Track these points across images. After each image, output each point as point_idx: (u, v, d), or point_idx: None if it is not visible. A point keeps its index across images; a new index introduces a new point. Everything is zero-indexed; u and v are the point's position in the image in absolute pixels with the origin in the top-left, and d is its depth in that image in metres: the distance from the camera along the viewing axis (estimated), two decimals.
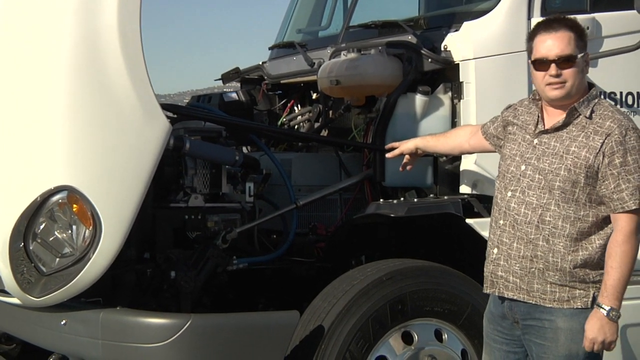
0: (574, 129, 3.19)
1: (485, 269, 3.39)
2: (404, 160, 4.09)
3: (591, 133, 3.14)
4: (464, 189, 4.34)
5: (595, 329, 3.09)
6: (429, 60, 4.42)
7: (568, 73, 3.17)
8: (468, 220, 4.17)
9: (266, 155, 4.59)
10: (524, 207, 3.23)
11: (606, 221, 3.17)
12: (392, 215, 4.16)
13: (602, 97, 3.32)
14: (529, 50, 3.29)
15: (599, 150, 3.11)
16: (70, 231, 3.60)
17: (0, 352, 5.09)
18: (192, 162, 4.14)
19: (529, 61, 3.28)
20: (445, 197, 4.37)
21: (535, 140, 3.27)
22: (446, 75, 4.47)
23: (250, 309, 4.26)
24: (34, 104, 3.65)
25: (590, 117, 3.17)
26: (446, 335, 4.13)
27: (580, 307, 3.17)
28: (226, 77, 5.95)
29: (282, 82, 5.62)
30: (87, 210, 3.52)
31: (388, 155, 4.14)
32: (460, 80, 4.36)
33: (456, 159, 4.35)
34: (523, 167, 3.27)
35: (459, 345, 4.14)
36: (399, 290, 3.99)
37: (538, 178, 3.21)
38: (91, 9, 3.56)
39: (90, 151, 3.55)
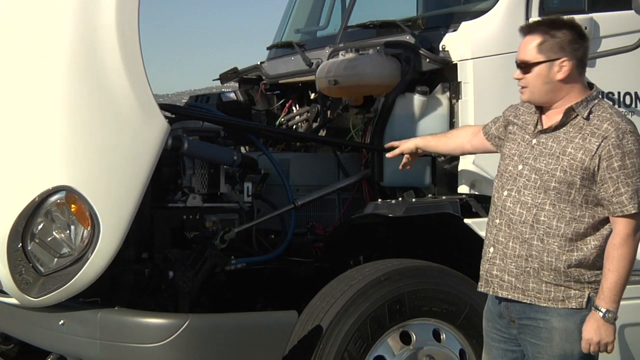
0: (571, 129, 3.18)
1: (481, 268, 3.39)
2: (404, 160, 4.09)
3: (588, 135, 3.13)
4: (462, 188, 4.35)
5: (591, 330, 3.09)
6: (427, 60, 4.43)
7: (528, 78, 3.20)
8: (466, 220, 4.17)
9: (264, 155, 4.59)
10: (519, 206, 3.23)
11: (602, 222, 3.17)
12: (390, 215, 4.16)
13: (603, 98, 3.30)
14: None
15: (595, 153, 3.10)
16: (68, 231, 3.59)
17: None
18: (190, 162, 4.14)
19: None
20: (444, 197, 4.37)
21: (534, 140, 3.27)
22: (444, 75, 4.47)
23: (248, 309, 4.26)
24: (32, 104, 3.65)
25: (587, 118, 3.16)
26: (444, 335, 4.13)
27: (575, 307, 3.17)
28: (224, 77, 5.95)
29: (280, 82, 5.62)
30: (86, 210, 3.52)
31: (388, 155, 4.14)
32: (459, 80, 4.37)
33: (454, 159, 4.36)
34: (520, 167, 3.27)
35: (457, 345, 4.15)
36: (397, 290, 3.99)
37: (534, 178, 3.21)
38: (89, 8, 3.56)
39: (88, 151, 3.55)
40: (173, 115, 4.28)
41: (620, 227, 3.10)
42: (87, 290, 3.65)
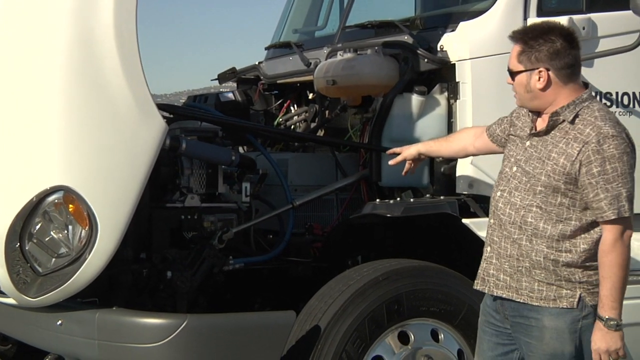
0: (557, 133, 3.19)
1: (480, 266, 3.41)
2: (406, 167, 4.06)
3: (571, 140, 3.14)
4: (460, 189, 4.35)
5: (597, 340, 3.11)
6: (425, 60, 4.43)
7: (515, 84, 3.25)
8: (464, 220, 4.17)
9: (262, 155, 4.59)
10: (508, 207, 3.26)
11: (592, 225, 3.16)
12: (388, 215, 4.16)
13: (594, 99, 3.28)
14: None
15: (576, 158, 3.10)
16: (66, 231, 3.59)
17: None
18: (189, 162, 4.14)
19: None
20: (442, 197, 4.37)
21: (527, 143, 3.29)
22: (442, 76, 4.47)
23: (246, 309, 4.26)
24: (29, 104, 3.65)
25: (573, 122, 3.16)
26: (442, 335, 4.13)
27: (566, 306, 3.18)
28: (222, 77, 5.95)
29: (278, 82, 5.62)
30: (83, 210, 3.51)
31: (390, 162, 4.11)
32: (457, 80, 4.37)
33: (452, 159, 4.35)
34: (514, 169, 3.29)
35: (455, 345, 4.15)
36: (395, 290, 3.99)
37: (525, 180, 3.23)
38: (87, 8, 3.55)
39: (86, 151, 3.54)
40: (171, 115, 4.28)
41: (607, 233, 3.09)
42: (85, 291, 3.64)
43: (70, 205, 3.54)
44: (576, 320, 3.17)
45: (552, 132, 3.20)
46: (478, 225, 4.03)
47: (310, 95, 5.47)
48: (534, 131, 3.27)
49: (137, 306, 3.78)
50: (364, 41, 4.90)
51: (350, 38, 5.09)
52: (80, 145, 3.54)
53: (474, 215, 4.22)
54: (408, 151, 4.02)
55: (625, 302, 3.19)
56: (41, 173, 3.58)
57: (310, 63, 5.19)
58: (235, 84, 5.93)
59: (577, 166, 3.10)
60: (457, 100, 4.37)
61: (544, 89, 3.19)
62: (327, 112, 5.19)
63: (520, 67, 3.21)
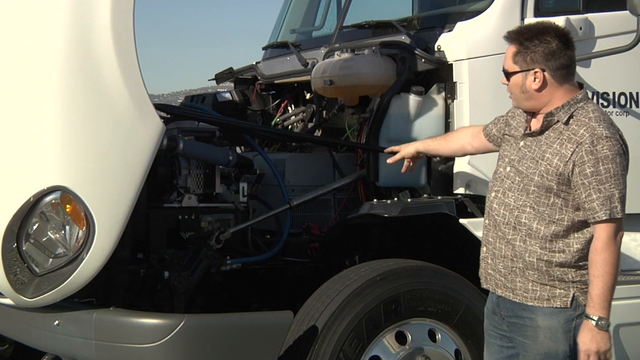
0: (552, 134, 3.20)
1: (480, 266, 3.43)
2: (405, 164, 4.07)
3: (565, 140, 3.14)
4: (458, 189, 4.35)
5: (587, 340, 3.08)
6: (423, 60, 4.43)
7: (510, 85, 3.27)
8: (461, 220, 4.18)
9: (260, 155, 4.59)
10: (503, 208, 3.27)
11: (584, 225, 3.17)
12: (385, 215, 4.16)
13: (589, 100, 3.28)
14: None
15: (569, 159, 3.11)
16: (63, 231, 3.59)
17: None
18: (186, 162, 4.14)
19: None
20: (439, 197, 4.37)
21: (521, 143, 3.30)
22: (440, 76, 4.47)
23: (243, 309, 4.26)
24: (27, 104, 3.64)
25: (567, 123, 3.16)
26: (440, 335, 4.13)
27: (559, 306, 3.18)
28: (220, 77, 5.95)
29: (275, 82, 5.62)
30: (81, 210, 3.51)
31: (389, 160, 4.12)
32: (454, 80, 4.37)
33: (449, 159, 4.36)
34: (508, 169, 3.30)
35: (452, 345, 4.15)
36: (392, 290, 3.99)
37: (518, 180, 3.24)
38: (84, 8, 3.55)
39: (83, 151, 3.54)
40: (168, 116, 4.28)
41: (599, 232, 3.09)
42: (82, 291, 3.64)
43: (68, 206, 3.54)
44: (570, 319, 3.18)
45: (546, 132, 3.21)
46: (475, 225, 4.03)
47: (308, 96, 5.48)
48: (528, 131, 3.28)
49: (134, 306, 3.78)
50: (361, 41, 4.90)
51: (348, 38, 5.09)
52: (78, 146, 3.54)
53: (471, 215, 4.23)
54: (406, 150, 4.04)
55: (625, 302, 3.20)
56: (38, 173, 3.58)
57: (308, 63, 5.19)
58: (232, 84, 5.93)
59: (571, 166, 3.10)
60: (455, 101, 4.38)
61: (539, 90, 3.20)
62: (324, 112, 5.19)
63: (516, 68, 3.21)
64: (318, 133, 5.22)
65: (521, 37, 3.21)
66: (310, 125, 5.31)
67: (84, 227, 3.52)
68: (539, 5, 4.42)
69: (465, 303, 4.09)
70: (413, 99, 4.44)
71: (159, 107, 4.00)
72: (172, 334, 3.47)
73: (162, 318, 3.57)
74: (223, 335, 3.61)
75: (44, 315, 3.70)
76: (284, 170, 4.73)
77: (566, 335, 3.17)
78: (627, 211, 3.17)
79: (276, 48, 5.81)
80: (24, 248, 3.60)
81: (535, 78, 3.18)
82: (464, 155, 4.10)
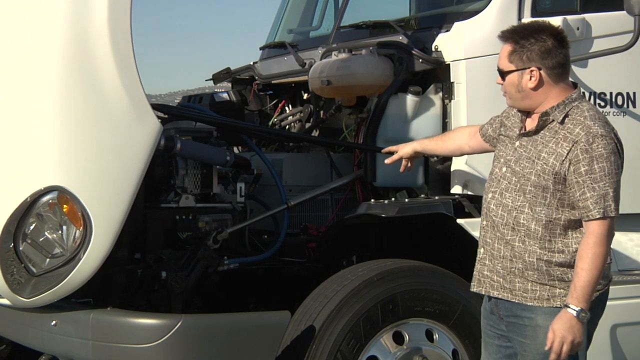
0: (547, 133, 3.20)
1: (474, 268, 3.41)
2: (402, 164, 4.07)
3: (561, 139, 3.15)
4: (455, 189, 4.35)
5: (564, 328, 3.06)
6: (420, 60, 4.43)
7: (505, 85, 3.27)
8: (459, 221, 4.18)
9: (257, 155, 4.59)
10: (501, 209, 3.26)
11: (582, 224, 3.16)
12: (383, 215, 4.16)
13: (584, 99, 3.28)
14: None
15: (565, 158, 3.11)
16: (60, 231, 3.58)
17: None
18: (183, 162, 4.14)
19: None
20: (436, 197, 4.38)
21: (517, 143, 3.30)
22: (437, 76, 4.47)
23: (241, 309, 4.26)
24: (24, 104, 3.64)
25: (562, 122, 3.17)
26: (437, 335, 4.13)
27: (559, 306, 3.17)
28: (217, 77, 5.94)
29: (273, 82, 5.62)
30: (78, 210, 3.51)
31: (387, 160, 4.12)
32: (451, 80, 4.37)
33: (447, 159, 4.36)
34: (504, 169, 3.30)
35: (450, 345, 4.15)
36: (390, 290, 3.99)
37: (514, 181, 3.24)
38: (82, 8, 3.55)
39: (80, 151, 3.54)
40: (166, 116, 4.28)
41: (594, 228, 3.08)
42: (79, 291, 3.64)
43: (65, 206, 3.53)
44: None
45: (542, 132, 3.21)
46: (473, 226, 4.03)
47: (305, 96, 5.47)
48: (523, 131, 3.28)
49: (131, 306, 3.78)
50: (358, 41, 4.90)
51: (345, 38, 5.09)
52: (75, 146, 3.54)
53: (468, 215, 4.23)
54: (404, 150, 4.04)
55: (621, 302, 3.20)
56: (35, 173, 3.58)
57: (305, 63, 5.18)
58: (229, 84, 5.93)
59: (567, 165, 3.11)
60: (452, 101, 4.38)
61: (535, 89, 3.20)
62: (321, 112, 5.18)
63: (512, 67, 3.21)
64: (315, 133, 5.22)
65: (516, 36, 3.21)
66: (307, 125, 5.31)
67: (81, 227, 3.51)
68: (536, 6, 4.42)
69: (462, 303, 4.09)
70: (410, 99, 4.44)
71: (156, 107, 4.00)
72: (169, 334, 3.47)
73: (159, 318, 3.57)
74: (220, 335, 3.61)
75: (41, 315, 3.70)
76: (282, 170, 4.72)
77: None
78: (625, 211, 3.18)
79: (274, 48, 5.81)
80: (21, 248, 3.60)
81: (531, 77, 3.19)
82: (461, 155, 4.10)
